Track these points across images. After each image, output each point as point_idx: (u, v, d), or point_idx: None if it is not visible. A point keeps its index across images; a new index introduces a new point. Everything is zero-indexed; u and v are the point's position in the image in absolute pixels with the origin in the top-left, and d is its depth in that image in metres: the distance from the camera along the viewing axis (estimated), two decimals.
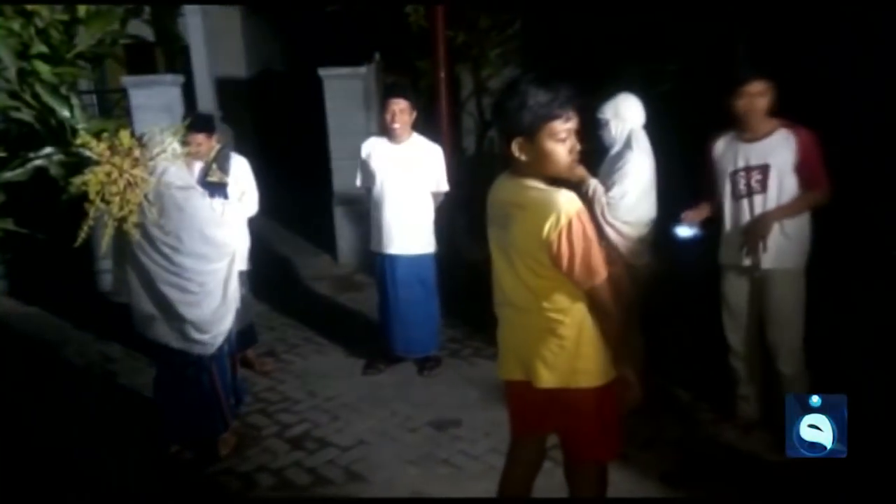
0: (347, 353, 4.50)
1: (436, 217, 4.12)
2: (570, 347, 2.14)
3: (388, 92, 4.16)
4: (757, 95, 3.04)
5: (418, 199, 4.01)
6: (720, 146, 3.24)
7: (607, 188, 3.43)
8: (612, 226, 3.42)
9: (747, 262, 3.16)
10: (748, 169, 3.12)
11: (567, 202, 2.02)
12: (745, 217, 3.16)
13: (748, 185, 3.13)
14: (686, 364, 3.97)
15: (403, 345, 4.15)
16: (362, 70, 6.19)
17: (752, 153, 3.12)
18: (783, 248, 3.10)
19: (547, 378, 2.17)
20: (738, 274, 3.25)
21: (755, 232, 3.09)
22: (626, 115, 3.48)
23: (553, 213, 1.99)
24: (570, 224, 1.99)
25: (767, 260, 3.11)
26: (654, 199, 3.51)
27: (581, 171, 3.31)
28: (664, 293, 3.80)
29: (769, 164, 3.08)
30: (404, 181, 3.97)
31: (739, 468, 3.11)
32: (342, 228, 6.24)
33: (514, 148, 2.07)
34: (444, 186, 4.10)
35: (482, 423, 3.51)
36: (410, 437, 3.52)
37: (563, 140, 2.05)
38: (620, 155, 3.47)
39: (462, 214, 5.42)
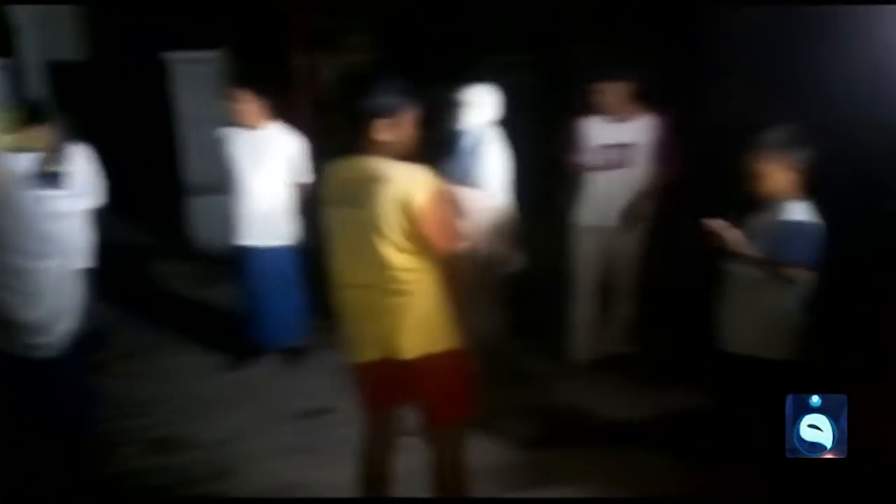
0: (210, 350, 4.33)
1: (304, 207, 4.02)
2: (424, 316, 2.27)
3: (234, 80, 4.04)
4: (612, 90, 3.45)
5: (275, 188, 3.90)
6: (587, 123, 3.60)
7: (471, 183, 3.55)
8: (478, 215, 3.56)
9: (616, 223, 3.63)
10: (615, 146, 3.53)
11: (430, 174, 2.22)
12: (610, 187, 3.59)
13: (614, 159, 3.55)
14: (547, 332, 4.17)
15: (268, 337, 4.06)
16: (213, 54, 5.93)
17: (618, 132, 3.52)
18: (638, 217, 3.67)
19: (409, 348, 2.27)
20: (594, 232, 3.70)
21: (640, 203, 3.61)
22: (485, 106, 3.61)
23: (420, 182, 2.17)
24: (436, 191, 2.17)
25: (630, 226, 3.65)
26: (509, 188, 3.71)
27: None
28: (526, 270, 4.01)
29: (634, 142, 3.52)
30: (259, 170, 3.86)
31: (601, 431, 3.35)
32: (197, 220, 5.98)
33: (377, 129, 2.20)
34: (306, 177, 3.99)
35: (353, 409, 3.53)
36: (280, 429, 3.47)
37: (417, 125, 2.27)
38: (476, 151, 3.59)
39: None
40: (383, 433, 2.53)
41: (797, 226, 2.53)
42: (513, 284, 3.98)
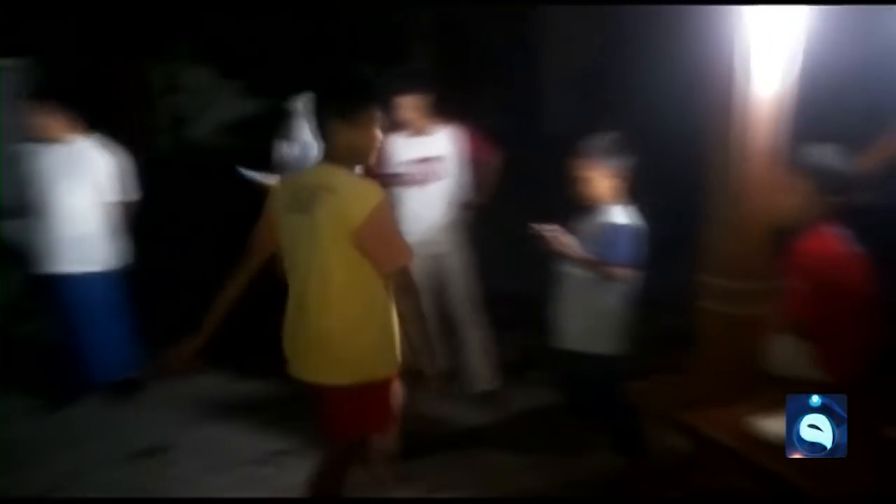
0: (25, 392, 3.89)
1: (129, 227, 3.72)
2: (372, 340, 2.20)
3: (32, 91, 3.66)
4: (408, 104, 3.39)
5: (86, 208, 3.57)
6: (390, 141, 3.49)
7: None
8: None
9: (436, 237, 3.53)
10: (420, 160, 3.47)
11: (377, 186, 2.14)
12: (422, 203, 3.51)
13: (421, 173, 3.49)
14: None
15: (93, 372, 3.71)
16: (18, 62, 5.36)
17: (422, 146, 3.47)
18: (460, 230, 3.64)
19: (341, 375, 2.20)
20: (418, 254, 3.60)
21: (459, 215, 3.58)
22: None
23: (364, 194, 2.09)
24: (381, 205, 2.09)
25: (454, 241, 3.59)
26: None
27: None
28: None
29: (438, 155, 3.48)
30: (67, 188, 3.53)
31: (452, 438, 3.37)
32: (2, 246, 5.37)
33: (333, 131, 2.13)
34: (122, 194, 3.67)
35: (193, 444, 3.34)
36: (114, 472, 3.19)
37: (378, 125, 2.19)
38: (308, 159, 3.49)
39: (161, 221, 5.00)
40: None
41: (619, 228, 2.68)
42: None
